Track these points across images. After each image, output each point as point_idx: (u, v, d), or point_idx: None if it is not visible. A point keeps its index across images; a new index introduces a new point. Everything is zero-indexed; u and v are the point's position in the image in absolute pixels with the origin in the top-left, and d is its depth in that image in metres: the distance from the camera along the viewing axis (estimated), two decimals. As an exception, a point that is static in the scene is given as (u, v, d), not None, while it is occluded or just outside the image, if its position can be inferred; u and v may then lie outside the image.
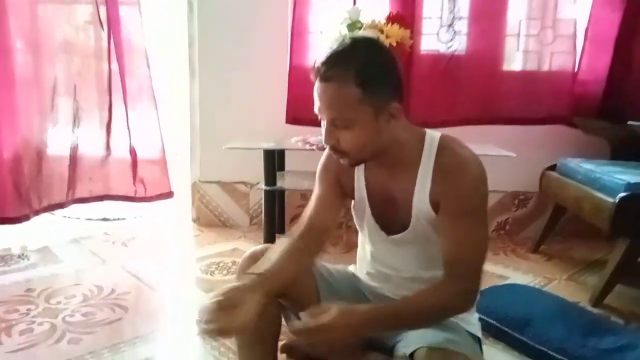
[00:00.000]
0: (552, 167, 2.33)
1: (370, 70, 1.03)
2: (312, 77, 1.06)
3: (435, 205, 1.12)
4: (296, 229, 1.25)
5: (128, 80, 2.53)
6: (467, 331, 1.22)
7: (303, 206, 2.76)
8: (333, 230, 1.32)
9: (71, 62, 2.46)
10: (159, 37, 2.81)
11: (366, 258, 1.34)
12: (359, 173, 1.24)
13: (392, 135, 1.10)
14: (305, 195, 2.76)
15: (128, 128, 2.58)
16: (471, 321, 1.27)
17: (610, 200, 1.78)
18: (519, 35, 2.47)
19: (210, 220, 2.79)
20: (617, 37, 2.28)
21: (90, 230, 2.60)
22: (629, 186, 1.77)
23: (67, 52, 2.45)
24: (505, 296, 1.72)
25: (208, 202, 2.79)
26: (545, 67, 2.48)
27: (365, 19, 2.12)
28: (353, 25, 2.12)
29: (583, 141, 2.51)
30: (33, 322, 1.65)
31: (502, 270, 2.18)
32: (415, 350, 1.11)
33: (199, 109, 2.70)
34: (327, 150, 1.29)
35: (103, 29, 2.43)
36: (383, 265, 1.29)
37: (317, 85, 1.05)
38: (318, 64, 1.04)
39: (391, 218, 1.21)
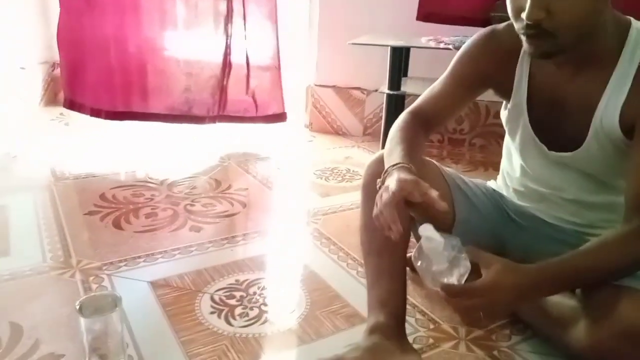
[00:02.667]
0: None
1: None
2: None
3: (627, 124, 0.86)
4: (410, 110, 1.08)
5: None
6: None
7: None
8: (446, 122, 1.15)
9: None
10: None
11: (514, 174, 1.13)
12: (522, 68, 0.99)
13: (602, 17, 0.84)
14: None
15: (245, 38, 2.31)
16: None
17: None
18: None
19: (322, 126, 2.68)
20: None
21: (203, 126, 2.62)
22: None
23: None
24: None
25: (322, 107, 2.67)
26: None
27: None
28: None
29: None
30: (157, 207, 1.69)
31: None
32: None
33: (318, 4, 2.50)
34: (481, 37, 1.05)
35: None
36: (537, 183, 1.08)
37: None
38: None
39: (556, 131, 0.98)
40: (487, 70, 1.03)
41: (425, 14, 2.05)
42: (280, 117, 2.35)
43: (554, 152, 0.99)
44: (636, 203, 0.86)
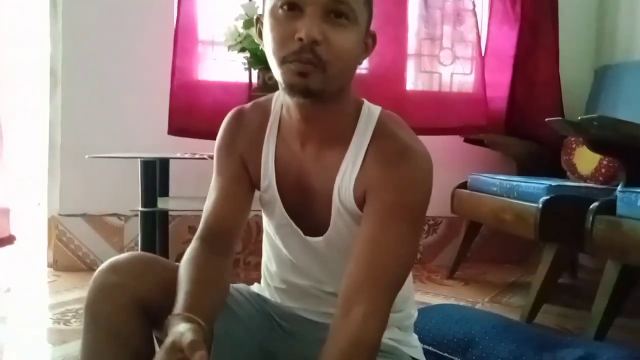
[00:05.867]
0: (462, 186, 2.21)
1: None
2: None
3: (360, 197, 0.83)
4: (197, 236, 0.89)
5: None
6: (410, 357, 0.95)
7: (190, 242, 2.23)
8: (242, 230, 0.95)
9: None
10: (15, 37, 2.31)
11: (272, 268, 1.00)
12: (268, 149, 0.91)
13: (352, 76, 0.83)
14: (193, 228, 2.35)
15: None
16: (412, 343, 1.01)
17: (534, 205, 1.65)
18: (420, 55, 2.42)
19: (71, 263, 2.23)
20: (515, 54, 2.30)
21: None
22: (551, 189, 1.66)
23: None
24: (437, 318, 1.45)
25: (69, 240, 2.25)
26: (447, 87, 2.43)
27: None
28: (249, 22, 1.87)
29: (484, 161, 2.45)
30: None
31: (422, 297, 1.97)
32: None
33: (60, 125, 2.23)
34: (228, 120, 0.95)
35: None
36: (298, 276, 0.96)
37: None
38: None
39: (308, 214, 0.90)
40: (240, 149, 0.92)
41: (176, 129, 1.98)
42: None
43: (309, 237, 0.90)
44: (362, 275, 0.77)
